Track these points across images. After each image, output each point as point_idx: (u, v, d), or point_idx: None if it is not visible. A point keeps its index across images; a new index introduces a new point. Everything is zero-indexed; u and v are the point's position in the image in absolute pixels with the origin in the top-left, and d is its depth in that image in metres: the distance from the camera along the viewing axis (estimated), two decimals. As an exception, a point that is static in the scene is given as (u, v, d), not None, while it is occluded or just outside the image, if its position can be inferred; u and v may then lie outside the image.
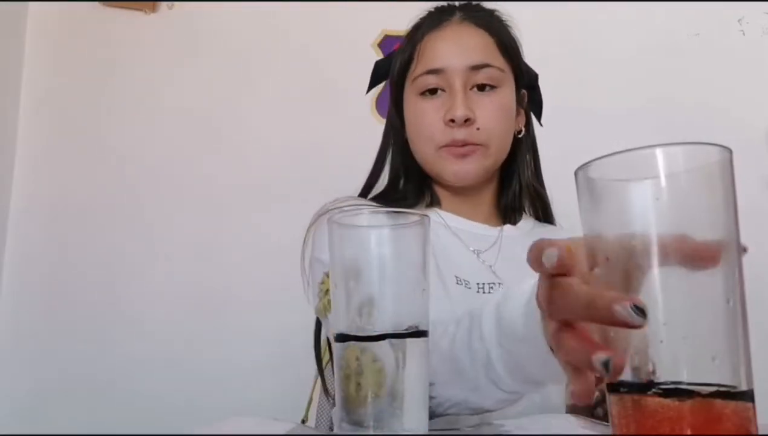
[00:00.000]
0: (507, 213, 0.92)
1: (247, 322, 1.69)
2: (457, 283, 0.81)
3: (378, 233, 0.45)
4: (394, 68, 0.90)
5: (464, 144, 0.82)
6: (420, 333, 0.46)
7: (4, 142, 1.88)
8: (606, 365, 0.32)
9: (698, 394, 0.31)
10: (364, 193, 0.92)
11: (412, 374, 0.45)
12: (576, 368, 0.37)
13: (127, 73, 1.91)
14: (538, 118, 0.98)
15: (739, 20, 1.71)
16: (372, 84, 0.97)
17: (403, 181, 0.91)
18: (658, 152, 0.36)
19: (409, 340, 0.45)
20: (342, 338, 0.45)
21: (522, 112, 0.93)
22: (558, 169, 1.67)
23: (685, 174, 0.35)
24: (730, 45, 1.70)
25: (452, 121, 0.81)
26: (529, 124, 0.94)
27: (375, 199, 0.91)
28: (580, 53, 1.75)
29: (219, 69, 1.87)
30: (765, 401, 1.56)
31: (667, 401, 0.31)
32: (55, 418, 1.69)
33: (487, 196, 0.92)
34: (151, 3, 1.92)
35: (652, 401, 0.32)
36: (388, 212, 0.47)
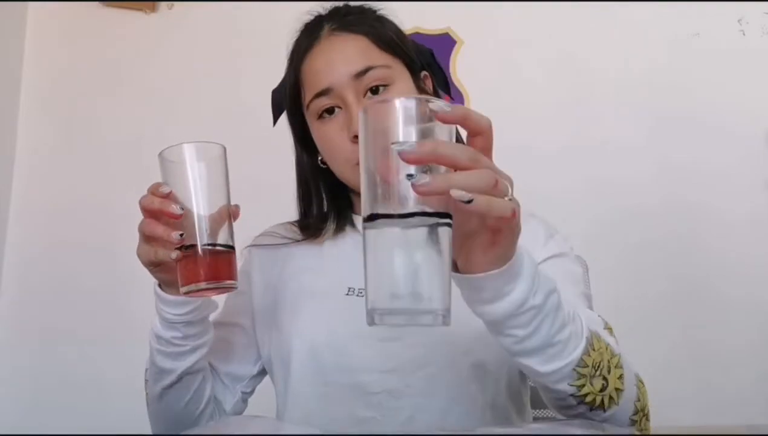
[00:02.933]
0: None
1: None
2: (348, 293, 0.81)
3: (407, 127, 0.46)
4: (286, 98, 0.87)
5: None
6: (446, 214, 0.46)
7: (4, 142, 1.88)
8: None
9: None
10: (302, 216, 0.91)
11: (439, 253, 0.46)
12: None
13: (127, 73, 1.91)
14: (447, 92, 0.93)
15: (739, 20, 1.71)
16: (276, 115, 0.93)
17: (319, 208, 0.89)
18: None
19: (436, 219, 0.45)
20: (372, 217, 0.46)
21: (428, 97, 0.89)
22: (559, 167, 1.67)
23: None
24: (730, 45, 1.70)
25: (356, 137, 0.76)
26: None
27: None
28: (580, 53, 1.75)
29: (219, 69, 1.87)
30: (765, 401, 1.56)
31: None
32: (55, 418, 1.69)
33: None
34: (151, 3, 1.92)
35: None
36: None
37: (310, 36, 0.84)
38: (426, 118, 0.46)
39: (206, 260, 0.65)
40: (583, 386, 0.57)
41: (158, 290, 0.73)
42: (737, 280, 1.57)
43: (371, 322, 0.47)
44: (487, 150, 0.49)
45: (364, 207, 0.47)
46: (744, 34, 1.71)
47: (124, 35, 1.93)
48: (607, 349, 0.59)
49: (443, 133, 0.47)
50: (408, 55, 0.84)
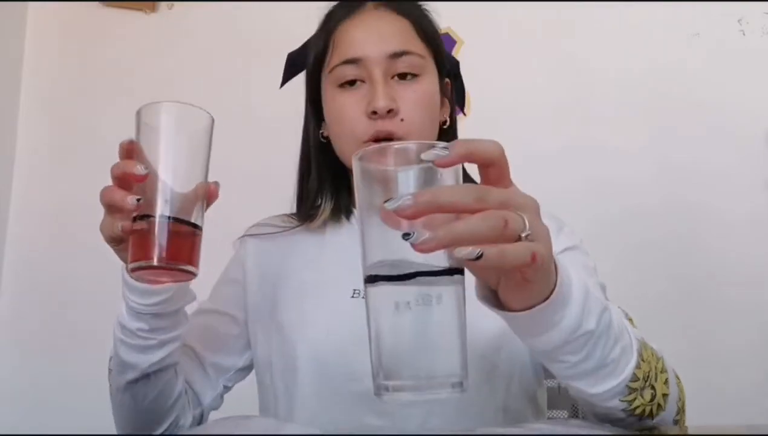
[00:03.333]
0: None
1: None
2: (353, 296, 0.78)
3: (405, 173, 0.42)
4: (309, 60, 0.84)
5: (389, 137, 0.75)
6: (455, 271, 0.42)
7: (4, 142, 1.88)
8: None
9: None
10: (300, 196, 0.89)
11: (449, 315, 0.42)
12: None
13: (127, 73, 1.91)
14: (462, 107, 0.92)
15: (739, 20, 1.71)
16: (286, 77, 0.91)
17: (317, 184, 0.87)
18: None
19: (443, 278, 0.41)
20: (373, 279, 0.42)
21: (446, 102, 0.86)
22: (559, 167, 1.67)
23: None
24: (730, 45, 1.70)
25: (375, 113, 0.75)
26: (452, 115, 0.88)
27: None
28: (580, 53, 1.75)
29: (219, 69, 1.87)
30: (765, 401, 1.55)
31: None
32: (55, 418, 1.69)
33: None
34: (151, 3, 1.92)
35: None
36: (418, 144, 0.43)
37: (352, 4, 0.82)
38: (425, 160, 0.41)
39: (163, 235, 0.55)
40: (635, 399, 0.55)
41: (125, 273, 0.66)
42: (737, 280, 1.57)
43: (379, 396, 0.42)
44: (502, 179, 0.43)
45: (364, 265, 0.43)
46: (744, 34, 1.70)
47: (124, 35, 1.93)
48: (653, 355, 0.57)
49: (448, 174, 0.42)
50: (440, 53, 0.84)
